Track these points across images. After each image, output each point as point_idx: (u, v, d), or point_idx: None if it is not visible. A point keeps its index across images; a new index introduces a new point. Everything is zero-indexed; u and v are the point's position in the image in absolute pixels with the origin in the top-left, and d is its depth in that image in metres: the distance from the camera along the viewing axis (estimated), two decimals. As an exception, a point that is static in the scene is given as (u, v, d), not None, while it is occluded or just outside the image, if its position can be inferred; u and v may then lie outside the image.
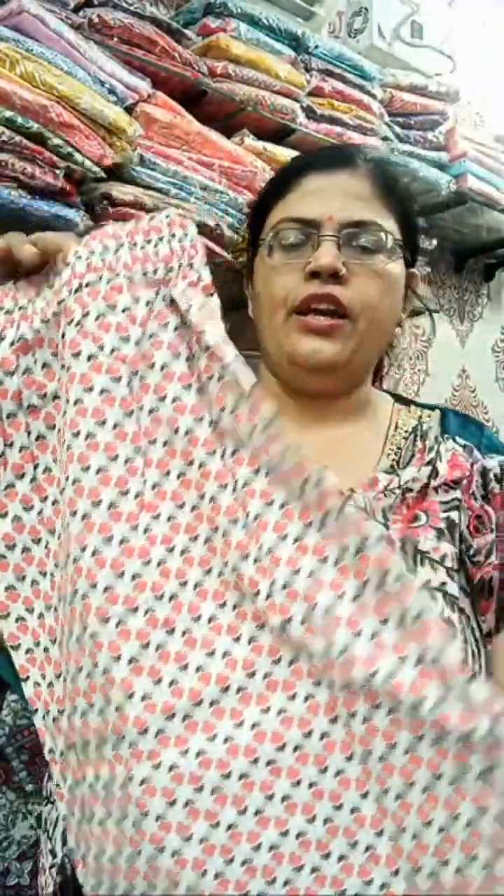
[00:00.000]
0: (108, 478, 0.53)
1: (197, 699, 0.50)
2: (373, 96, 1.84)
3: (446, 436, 0.72)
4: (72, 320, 0.56)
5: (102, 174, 1.25)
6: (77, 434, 0.54)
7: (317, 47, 1.70)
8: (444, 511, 0.65)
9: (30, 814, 1.17)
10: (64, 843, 0.60)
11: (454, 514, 0.65)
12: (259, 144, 1.56)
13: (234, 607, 0.52)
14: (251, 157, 1.52)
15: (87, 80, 1.23)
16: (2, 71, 1.12)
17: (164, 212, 0.62)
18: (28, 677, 0.55)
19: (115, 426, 0.54)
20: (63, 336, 0.56)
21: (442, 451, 0.68)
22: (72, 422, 0.54)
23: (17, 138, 1.12)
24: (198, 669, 0.50)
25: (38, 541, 0.57)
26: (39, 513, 0.57)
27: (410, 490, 0.66)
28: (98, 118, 1.22)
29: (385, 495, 0.65)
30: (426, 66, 2.13)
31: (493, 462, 0.68)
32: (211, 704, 0.50)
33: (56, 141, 1.16)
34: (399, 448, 0.72)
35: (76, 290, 0.56)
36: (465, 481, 0.66)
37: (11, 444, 0.57)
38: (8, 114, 1.11)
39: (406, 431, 0.74)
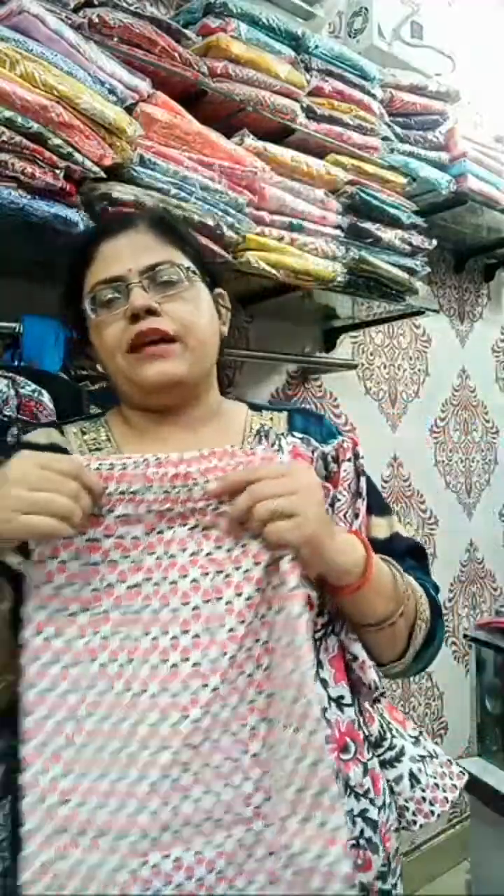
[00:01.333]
0: (178, 645, 0.69)
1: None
2: (373, 96, 1.84)
3: (285, 433, 0.85)
4: (185, 524, 0.72)
5: (102, 174, 1.25)
6: (165, 606, 0.70)
7: (317, 47, 1.70)
8: None
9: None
10: None
11: None
12: (259, 144, 1.56)
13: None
14: (251, 157, 1.52)
15: (87, 80, 1.23)
16: (2, 71, 1.12)
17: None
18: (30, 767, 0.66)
19: (194, 608, 0.70)
20: (174, 533, 0.72)
21: (283, 445, 0.80)
22: (163, 596, 0.71)
23: (17, 138, 1.12)
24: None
25: (77, 663, 0.69)
26: (87, 642, 0.69)
27: None
28: (98, 118, 1.22)
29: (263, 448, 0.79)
30: (426, 66, 2.13)
31: (328, 447, 0.82)
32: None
33: (56, 141, 1.16)
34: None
35: (203, 509, 0.73)
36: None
37: (88, 584, 0.70)
38: (8, 114, 1.11)
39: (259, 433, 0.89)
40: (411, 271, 1.90)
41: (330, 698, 0.75)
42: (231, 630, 0.69)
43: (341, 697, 0.76)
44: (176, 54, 1.42)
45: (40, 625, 0.68)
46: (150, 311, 0.82)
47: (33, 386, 1.19)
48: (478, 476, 2.70)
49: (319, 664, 0.75)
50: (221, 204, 1.43)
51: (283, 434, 0.83)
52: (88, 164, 1.21)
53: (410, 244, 1.90)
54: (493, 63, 2.55)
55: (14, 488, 0.66)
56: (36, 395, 1.18)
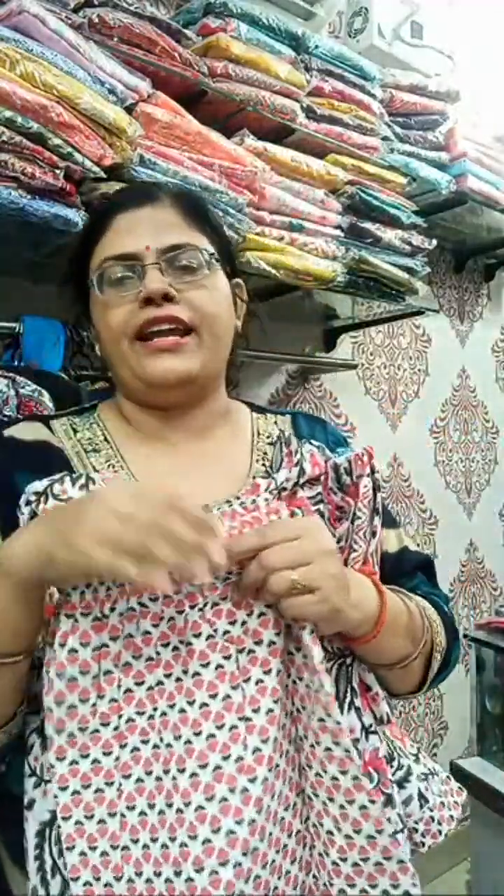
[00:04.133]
0: (216, 744, 0.62)
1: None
2: (373, 96, 1.84)
3: (303, 439, 0.79)
4: (195, 605, 0.64)
5: (102, 174, 1.25)
6: (192, 703, 0.63)
7: (317, 47, 1.70)
8: (314, 505, 0.73)
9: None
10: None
11: (321, 507, 0.73)
12: (259, 144, 1.56)
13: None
14: (251, 157, 1.52)
15: (87, 80, 1.23)
16: (2, 71, 1.12)
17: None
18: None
19: (224, 697, 0.63)
20: (186, 617, 0.64)
21: (304, 452, 0.74)
22: (188, 691, 0.63)
23: (17, 138, 1.12)
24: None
25: (110, 783, 0.62)
26: (117, 759, 0.63)
27: (285, 489, 0.72)
28: (98, 118, 1.22)
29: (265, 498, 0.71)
30: (426, 66, 2.13)
31: (341, 458, 0.74)
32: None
33: (56, 141, 1.16)
34: (265, 454, 0.81)
35: (210, 584, 0.64)
36: (322, 477, 0.74)
37: (103, 696, 0.63)
38: (8, 114, 1.11)
39: (269, 437, 0.84)
40: (411, 271, 1.90)
41: (362, 727, 0.70)
42: (269, 711, 0.63)
43: (370, 725, 0.71)
44: (176, 54, 1.42)
45: (61, 749, 0.62)
46: (167, 297, 0.74)
47: (33, 386, 1.19)
48: (478, 476, 2.70)
49: (353, 692, 0.71)
50: (221, 204, 1.43)
51: (300, 440, 0.78)
52: (88, 164, 1.21)
53: (410, 244, 1.89)
54: (493, 63, 2.55)
55: (111, 515, 0.57)
56: (36, 395, 1.18)
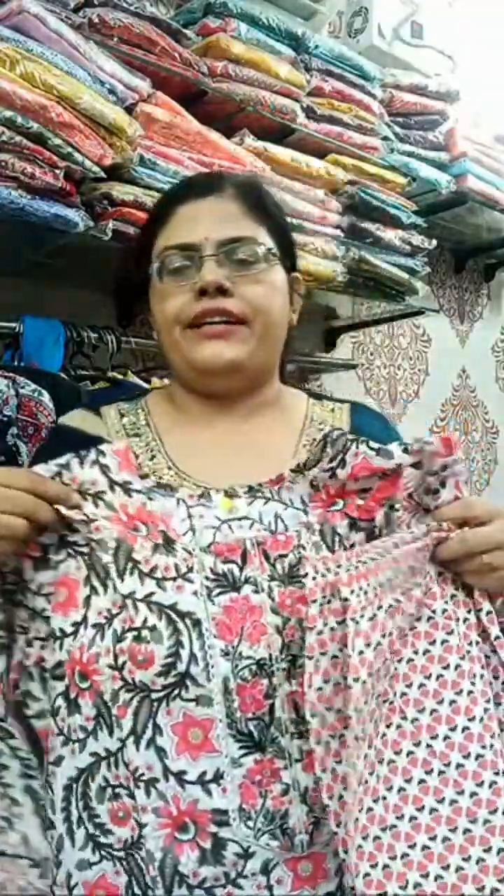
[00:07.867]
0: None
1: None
2: (373, 96, 1.84)
3: (360, 439, 0.71)
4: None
5: (102, 174, 1.25)
6: (441, 702, 0.63)
7: (317, 47, 1.70)
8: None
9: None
10: None
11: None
12: (259, 144, 1.56)
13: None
14: (251, 157, 1.52)
15: (87, 80, 1.23)
16: (2, 71, 1.12)
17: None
18: None
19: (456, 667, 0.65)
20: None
21: (347, 459, 0.68)
22: (435, 692, 0.63)
23: (17, 138, 1.12)
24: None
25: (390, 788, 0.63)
26: (391, 762, 0.63)
27: (316, 487, 0.70)
28: (98, 118, 1.22)
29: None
30: (426, 66, 2.13)
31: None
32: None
33: (56, 141, 1.16)
34: (315, 440, 0.74)
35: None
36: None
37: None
38: (8, 114, 1.11)
39: (321, 423, 0.82)
40: (411, 271, 1.90)
41: None
42: (471, 692, 0.63)
43: None
44: (176, 54, 1.42)
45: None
46: (221, 290, 0.76)
47: (33, 386, 1.19)
48: (477, 476, 2.69)
49: None
50: (221, 204, 1.43)
51: (353, 440, 0.70)
52: (88, 164, 1.21)
53: (410, 244, 1.89)
54: (493, 63, 2.55)
55: None
56: (36, 395, 1.18)
